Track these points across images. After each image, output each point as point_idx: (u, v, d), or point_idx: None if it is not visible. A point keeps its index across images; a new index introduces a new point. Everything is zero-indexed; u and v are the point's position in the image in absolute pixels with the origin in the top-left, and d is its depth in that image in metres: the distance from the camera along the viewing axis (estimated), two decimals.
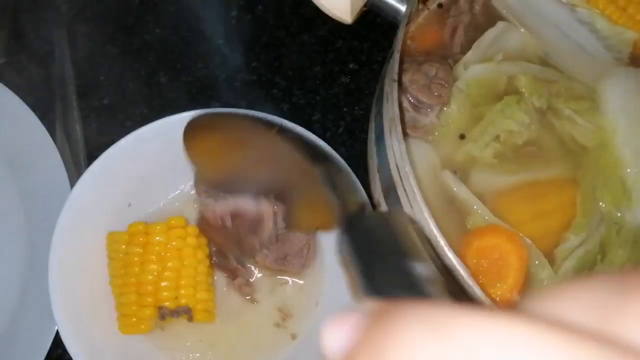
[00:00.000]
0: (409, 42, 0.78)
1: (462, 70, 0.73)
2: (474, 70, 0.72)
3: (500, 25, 0.77)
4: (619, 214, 0.66)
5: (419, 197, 0.56)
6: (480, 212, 0.66)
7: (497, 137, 0.70)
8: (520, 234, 0.65)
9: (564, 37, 0.78)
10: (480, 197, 0.68)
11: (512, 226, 0.66)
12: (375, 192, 0.71)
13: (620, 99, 0.70)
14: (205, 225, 0.71)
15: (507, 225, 0.66)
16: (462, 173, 0.70)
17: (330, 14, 0.71)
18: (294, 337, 0.75)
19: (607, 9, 0.77)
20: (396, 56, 0.61)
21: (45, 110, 0.89)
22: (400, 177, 0.59)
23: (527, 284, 0.64)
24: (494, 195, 0.69)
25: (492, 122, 0.70)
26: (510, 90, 0.72)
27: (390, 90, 0.61)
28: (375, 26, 0.98)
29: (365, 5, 0.72)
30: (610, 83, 0.72)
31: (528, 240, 0.65)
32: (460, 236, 0.66)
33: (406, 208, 0.59)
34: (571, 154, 0.71)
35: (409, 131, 0.71)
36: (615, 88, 0.71)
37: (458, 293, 0.55)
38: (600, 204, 0.67)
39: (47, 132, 0.85)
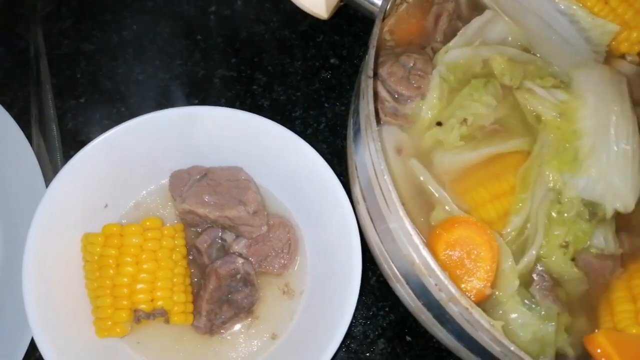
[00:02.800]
0: (389, 34, 0.77)
1: (442, 56, 0.72)
2: (451, 54, 0.72)
3: (487, 14, 0.76)
4: (560, 183, 0.66)
5: (394, 195, 0.55)
6: (442, 202, 0.65)
7: (465, 120, 0.69)
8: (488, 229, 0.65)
9: (546, 27, 0.77)
10: (442, 181, 0.68)
11: (471, 208, 0.66)
12: (355, 189, 0.70)
13: (594, 84, 0.71)
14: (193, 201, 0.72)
15: (462, 212, 0.66)
16: (428, 158, 0.69)
17: (306, 10, 0.70)
18: (274, 336, 0.74)
19: (589, 0, 0.77)
20: (371, 52, 0.60)
21: (20, 109, 0.88)
22: (376, 174, 0.58)
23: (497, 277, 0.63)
24: (454, 178, 0.68)
25: (460, 106, 0.70)
26: (485, 74, 0.72)
27: (366, 86, 0.60)
28: (356, 20, 0.96)
29: (341, 1, 0.71)
30: (586, 72, 0.72)
31: (494, 233, 0.65)
32: (429, 229, 0.65)
33: (382, 206, 0.58)
34: (531, 130, 0.71)
35: (389, 119, 0.70)
36: (590, 75, 0.72)
37: None
38: (546, 172, 0.66)
39: (22, 132, 0.84)
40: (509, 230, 0.66)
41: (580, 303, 0.67)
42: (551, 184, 0.66)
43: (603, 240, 0.67)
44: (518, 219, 0.66)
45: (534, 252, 0.64)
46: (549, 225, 0.66)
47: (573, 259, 0.66)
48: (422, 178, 0.67)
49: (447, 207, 0.66)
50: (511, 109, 0.71)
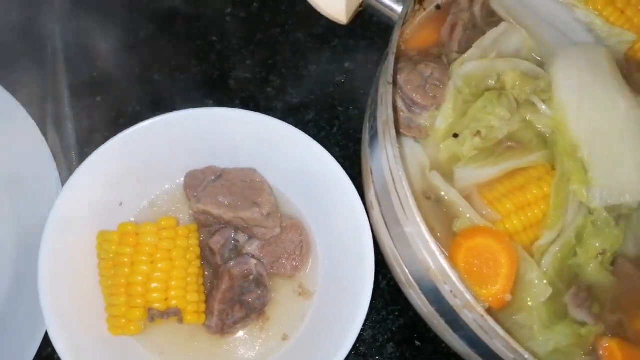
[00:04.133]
0: (405, 42, 0.77)
1: (457, 68, 0.72)
2: (467, 66, 0.72)
3: (502, 26, 0.76)
4: (584, 197, 0.67)
5: (411, 202, 0.55)
6: (467, 215, 0.66)
7: (478, 132, 0.69)
8: (507, 237, 0.65)
9: (562, 37, 0.77)
10: (465, 194, 0.68)
11: (496, 220, 0.67)
12: (369, 194, 0.70)
13: (569, 79, 0.71)
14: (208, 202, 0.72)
15: (491, 225, 0.66)
16: (446, 171, 0.69)
17: (325, 14, 0.70)
18: (285, 337, 0.74)
19: (605, 10, 0.77)
20: (390, 58, 0.60)
21: (37, 107, 0.89)
22: (394, 180, 0.58)
23: (517, 285, 0.63)
24: (477, 190, 0.69)
25: (474, 118, 0.70)
26: (499, 87, 0.72)
27: (385, 92, 0.60)
28: (372, 25, 0.97)
29: (360, 6, 0.71)
30: (559, 65, 0.72)
31: (515, 243, 0.65)
32: (449, 238, 0.66)
33: (398, 211, 0.59)
34: (547, 144, 0.71)
35: (403, 131, 0.71)
36: (564, 68, 0.71)
37: None
38: (573, 188, 0.67)
39: (38, 129, 0.85)
40: (541, 243, 0.66)
41: (612, 309, 0.67)
42: (578, 199, 0.67)
43: (632, 246, 0.67)
44: (551, 234, 0.66)
45: (555, 249, 0.65)
46: (585, 236, 0.66)
47: (609, 266, 0.67)
48: (443, 190, 0.67)
49: (471, 218, 0.66)
50: (524, 122, 0.71)
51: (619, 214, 0.68)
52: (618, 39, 0.76)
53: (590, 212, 0.67)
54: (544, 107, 0.71)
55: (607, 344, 0.64)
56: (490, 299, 0.62)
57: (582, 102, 0.69)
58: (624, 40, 0.77)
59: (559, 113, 0.70)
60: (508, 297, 0.63)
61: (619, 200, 0.66)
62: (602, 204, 0.66)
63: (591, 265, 0.66)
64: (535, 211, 0.67)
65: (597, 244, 0.66)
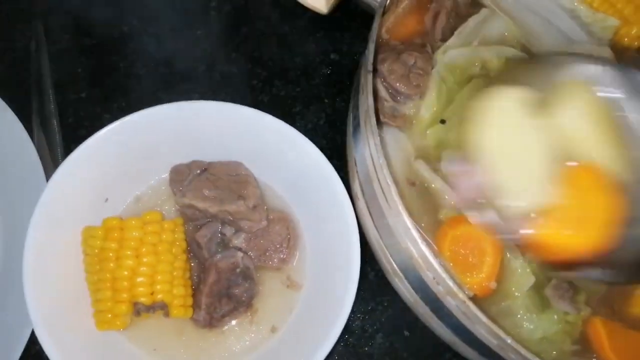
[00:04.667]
0: (388, 31, 0.77)
1: (441, 56, 0.72)
2: (450, 55, 0.71)
3: (483, 12, 0.76)
4: None
5: (392, 190, 0.55)
6: (452, 202, 0.65)
7: None
8: None
9: (546, 24, 0.77)
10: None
11: None
12: (354, 185, 0.70)
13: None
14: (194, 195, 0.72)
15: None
16: (433, 158, 0.69)
17: (305, 4, 0.70)
18: (274, 329, 0.74)
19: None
20: (371, 47, 0.60)
21: (21, 104, 0.88)
22: (375, 169, 0.58)
23: (501, 273, 0.63)
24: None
25: (462, 105, 0.69)
26: (484, 74, 0.72)
27: (365, 81, 0.60)
28: (357, 16, 0.96)
29: None
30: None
31: None
32: (435, 227, 0.65)
33: (381, 201, 0.59)
34: None
35: (387, 120, 0.70)
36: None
37: None
38: None
39: (23, 126, 0.84)
40: None
41: (601, 300, 0.67)
42: None
43: None
44: None
45: None
46: None
47: None
48: (428, 178, 0.67)
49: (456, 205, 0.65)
50: None
51: None
52: (602, 25, 0.76)
53: None
54: None
55: (591, 322, 0.64)
56: (475, 286, 0.62)
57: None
58: (608, 26, 0.77)
59: None
60: (493, 284, 0.63)
61: None
62: None
63: None
64: None
65: None
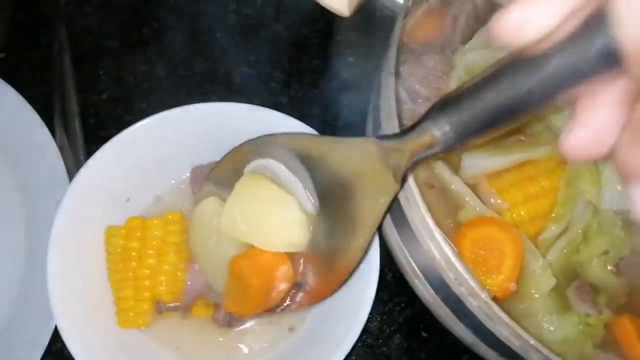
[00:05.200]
0: (408, 34, 0.77)
1: (460, 59, 0.72)
2: (469, 56, 0.72)
3: None
4: (594, 197, 0.65)
5: (415, 191, 0.55)
6: (472, 204, 0.65)
7: None
8: (512, 227, 0.65)
9: None
10: (472, 183, 0.67)
11: (503, 210, 0.66)
12: None
13: None
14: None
15: (496, 214, 0.66)
16: (452, 160, 0.69)
17: (327, 7, 0.70)
18: (292, 329, 0.75)
19: None
20: (393, 50, 0.61)
21: (44, 104, 0.89)
22: None
23: (521, 275, 0.63)
24: (486, 179, 0.68)
25: None
26: None
27: (387, 83, 0.60)
28: (375, 19, 0.97)
29: None
30: None
31: (520, 233, 0.65)
32: (454, 228, 0.65)
33: (402, 201, 0.59)
34: (556, 137, 0.69)
35: (407, 122, 0.70)
36: None
37: None
38: (582, 186, 0.66)
39: (46, 127, 0.86)
40: (546, 236, 0.65)
41: (624, 303, 0.67)
42: (587, 197, 0.66)
43: None
44: (557, 227, 0.65)
45: (560, 244, 0.64)
46: (590, 235, 0.65)
47: (613, 267, 0.66)
48: (448, 179, 0.67)
49: (477, 208, 0.65)
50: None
51: (627, 220, 0.67)
52: None
53: (597, 211, 0.67)
54: None
55: (617, 322, 0.64)
56: (495, 288, 0.62)
57: None
58: None
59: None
60: (513, 286, 0.63)
61: (626, 207, 0.65)
62: (610, 207, 0.66)
63: (593, 263, 0.66)
64: (543, 203, 0.67)
65: (601, 243, 0.65)
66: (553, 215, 0.66)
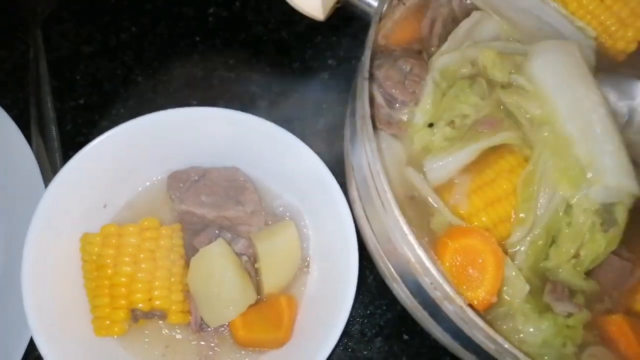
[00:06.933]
0: (385, 37, 0.77)
1: (435, 62, 0.72)
2: (442, 60, 0.71)
3: (475, 15, 0.76)
4: (577, 197, 0.64)
5: (389, 195, 0.55)
6: (441, 212, 0.65)
7: (452, 122, 0.68)
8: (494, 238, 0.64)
9: (538, 21, 0.77)
10: (436, 187, 0.66)
11: (465, 217, 0.65)
12: (351, 190, 0.70)
13: (552, 77, 0.68)
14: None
15: (462, 222, 0.65)
16: (420, 165, 0.68)
17: (302, 11, 0.70)
18: None
19: (570, 5, 0.77)
20: (367, 53, 0.60)
21: (20, 111, 0.89)
22: (372, 175, 0.58)
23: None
24: (446, 185, 0.67)
25: (448, 108, 0.69)
26: (473, 74, 0.71)
27: (362, 87, 0.60)
28: (354, 21, 0.97)
29: (338, 2, 0.71)
30: (539, 63, 0.69)
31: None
32: (426, 235, 0.65)
33: (377, 205, 0.59)
34: (518, 125, 0.68)
35: (383, 127, 0.70)
36: (545, 65, 0.69)
37: None
38: (559, 192, 0.64)
39: (21, 133, 0.85)
40: (513, 240, 0.65)
41: (600, 299, 0.66)
42: (561, 194, 0.65)
43: None
44: (522, 230, 0.64)
45: (522, 248, 0.64)
46: (560, 238, 0.65)
47: (586, 273, 0.65)
48: (417, 185, 0.66)
49: (446, 217, 0.65)
50: (497, 104, 0.69)
51: (610, 218, 0.66)
52: (582, 35, 0.76)
53: (567, 213, 0.65)
54: (526, 84, 0.69)
55: (611, 321, 0.63)
56: (475, 301, 0.61)
57: (569, 100, 0.67)
58: (588, 36, 0.76)
59: (549, 107, 0.67)
60: (494, 299, 0.61)
61: (616, 198, 0.65)
62: (599, 200, 0.64)
63: (561, 270, 0.65)
64: (505, 206, 0.66)
65: (570, 247, 0.64)
66: (521, 216, 0.65)
